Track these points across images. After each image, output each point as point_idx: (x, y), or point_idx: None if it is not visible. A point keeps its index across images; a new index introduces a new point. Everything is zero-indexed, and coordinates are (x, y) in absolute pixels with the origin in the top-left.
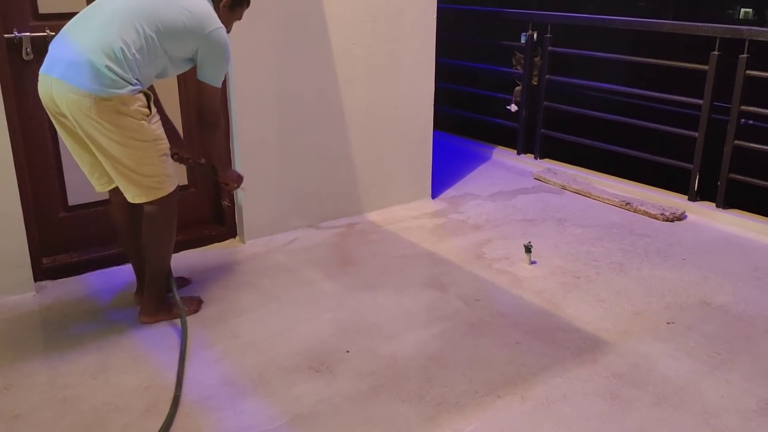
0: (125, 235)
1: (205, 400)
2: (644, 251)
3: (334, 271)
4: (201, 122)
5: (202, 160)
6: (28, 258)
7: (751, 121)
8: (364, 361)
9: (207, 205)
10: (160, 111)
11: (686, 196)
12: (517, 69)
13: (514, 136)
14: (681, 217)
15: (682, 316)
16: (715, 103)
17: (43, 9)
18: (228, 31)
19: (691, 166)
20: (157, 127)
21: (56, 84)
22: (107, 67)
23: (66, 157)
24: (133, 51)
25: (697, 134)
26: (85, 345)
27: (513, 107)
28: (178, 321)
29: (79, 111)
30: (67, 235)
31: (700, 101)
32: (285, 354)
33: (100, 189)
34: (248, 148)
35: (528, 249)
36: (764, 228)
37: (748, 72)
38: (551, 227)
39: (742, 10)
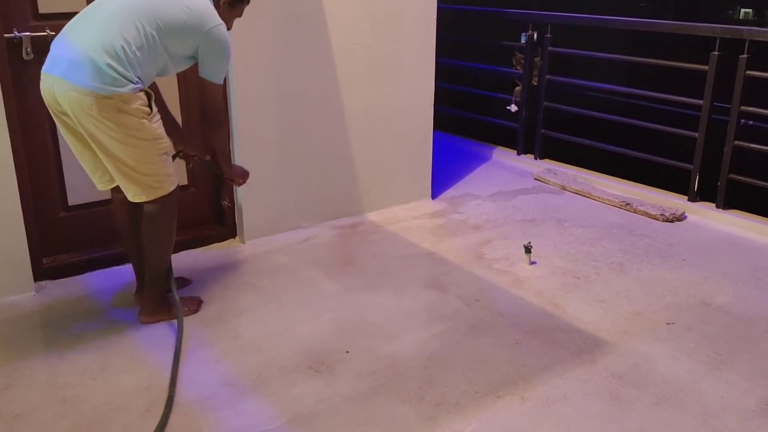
0: (126, 234)
1: (205, 400)
2: (644, 252)
3: (334, 271)
4: (204, 119)
5: (207, 157)
6: (28, 258)
7: (751, 122)
8: (364, 361)
9: (207, 205)
10: (164, 109)
11: (686, 197)
12: (517, 69)
13: (514, 136)
14: (681, 218)
15: (682, 316)
16: (715, 103)
17: (43, 9)
18: (229, 28)
19: (691, 166)
20: (157, 126)
21: (58, 83)
22: (108, 65)
23: (66, 157)
24: (134, 49)
25: (697, 135)
26: (85, 345)
27: (513, 107)
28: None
29: (80, 109)
30: (67, 235)
31: (700, 101)
32: (285, 354)
33: (101, 187)
34: (248, 148)
35: (528, 249)
36: (764, 228)
37: (748, 72)
38: (551, 227)
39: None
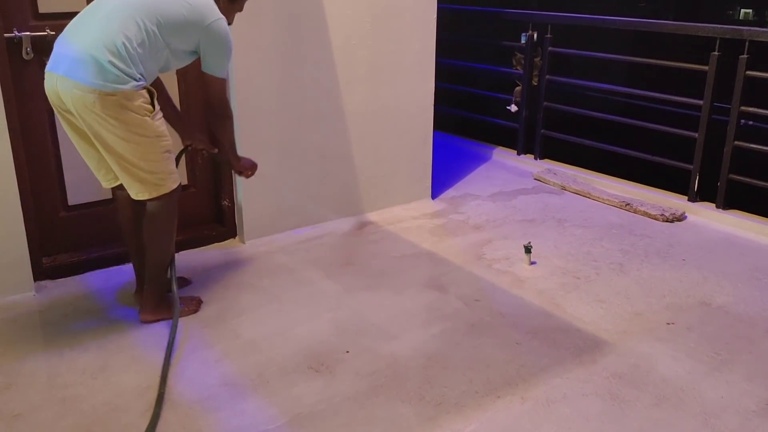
0: (128, 232)
1: (205, 400)
2: (644, 252)
3: (334, 271)
4: (210, 113)
5: (215, 150)
6: (28, 258)
7: (751, 122)
8: (363, 361)
9: (207, 205)
10: (170, 105)
11: (686, 197)
12: (517, 69)
13: (514, 136)
14: (681, 218)
15: (682, 316)
16: (715, 103)
17: (43, 8)
18: (230, 23)
19: (691, 166)
20: (160, 123)
21: (61, 81)
22: (110, 62)
23: (66, 157)
24: (135, 45)
25: (697, 135)
26: (85, 345)
27: (513, 107)
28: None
29: (83, 107)
30: (67, 235)
31: (700, 102)
32: (285, 354)
33: (106, 185)
34: (248, 148)
35: (528, 249)
36: (764, 228)
37: (748, 72)
38: (551, 228)
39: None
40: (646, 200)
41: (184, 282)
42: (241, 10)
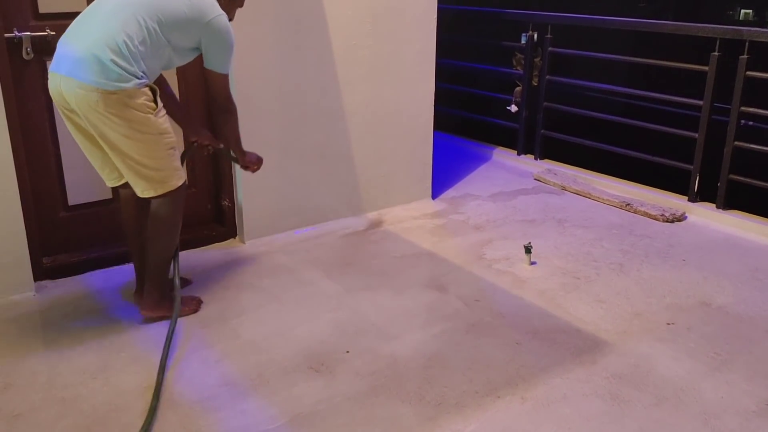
0: (131, 231)
1: (205, 400)
2: (644, 252)
3: (334, 271)
4: (215, 109)
5: (221, 145)
6: (28, 258)
7: (751, 122)
8: (363, 361)
9: (207, 205)
10: (174, 101)
11: (686, 197)
12: (517, 69)
13: (514, 136)
14: (681, 218)
15: (682, 316)
16: (715, 104)
17: (43, 8)
18: (230, 19)
19: (691, 167)
20: (163, 120)
21: (65, 81)
22: (112, 61)
23: (66, 157)
24: (137, 43)
25: (697, 135)
26: (85, 345)
27: (513, 108)
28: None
29: (87, 106)
30: (67, 235)
31: (700, 102)
32: (285, 354)
33: (110, 184)
34: (248, 148)
35: (528, 250)
36: (764, 229)
37: (748, 73)
38: (551, 228)
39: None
40: (646, 200)
41: (184, 282)
42: (241, 5)
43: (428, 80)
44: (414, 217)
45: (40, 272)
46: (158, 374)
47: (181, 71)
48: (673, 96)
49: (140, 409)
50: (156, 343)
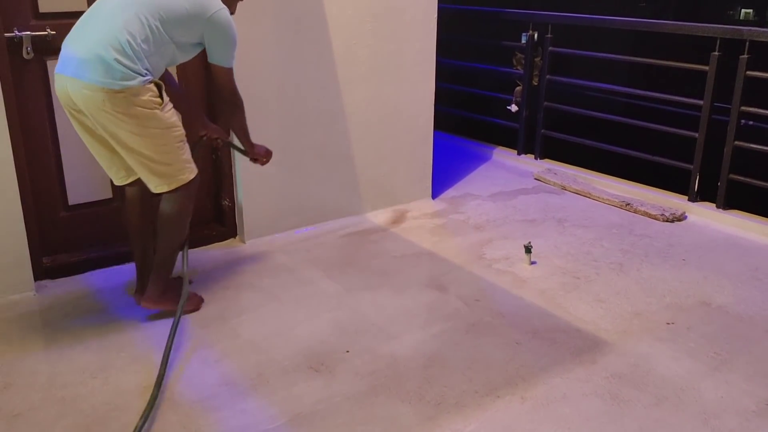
0: (135, 231)
1: (205, 400)
2: (644, 252)
3: (334, 271)
4: (222, 103)
5: (230, 138)
6: (28, 258)
7: (751, 122)
8: (363, 361)
9: (207, 205)
10: (181, 94)
11: (686, 197)
12: (517, 69)
13: (514, 136)
14: (681, 218)
15: (682, 316)
16: (715, 103)
17: (43, 8)
18: (232, 12)
19: (692, 166)
20: (170, 114)
21: (71, 82)
22: (116, 60)
23: (66, 157)
24: (139, 42)
25: (697, 135)
26: (85, 344)
27: (513, 107)
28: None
29: (94, 106)
30: (67, 234)
31: (701, 102)
32: (285, 354)
33: (118, 182)
34: None
35: (528, 249)
36: (764, 228)
37: (748, 72)
38: (551, 227)
39: (743, 10)
40: (646, 200)
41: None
42: None
43: (428, 80)
44: (414, 216)
45: (40, 272)
46: (161, 366)
47: (182, 66)
48: (673, 96)
49: (140, 408)
50: (156, 343)
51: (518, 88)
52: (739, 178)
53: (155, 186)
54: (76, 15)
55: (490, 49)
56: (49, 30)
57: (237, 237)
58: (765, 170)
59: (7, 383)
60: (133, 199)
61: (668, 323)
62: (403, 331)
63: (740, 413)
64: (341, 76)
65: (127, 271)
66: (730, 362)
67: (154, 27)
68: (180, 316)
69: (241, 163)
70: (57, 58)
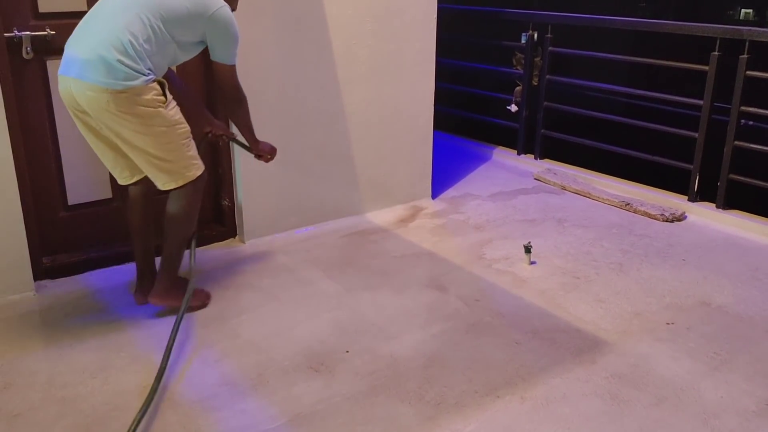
0: (138, 231)
1: (205, 400)
2: (644, 252)
3: (334, 271)
4: (226, 100)
5: (234, 135)
6: (28, 258)
7: (751, 122)
8: (363, 361)
9: (207, 205)
10: (185, 93)
11: (686, 197)
12: (517, 69)
13: (514, 136)
14: (681, 218)
15: (682, 316)
16: (715, 103)
17: (43, 8)
18: (233, 9)
19: (691, 166)
20: (174, 112)
21: (74, 83)
22: (119, 60)
23: (66, 157)
24: (141, 42)
25: (697, 135)
26: (85, 344)
27: (513, 107)
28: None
29: (98, 107)
30: (67, 234)
31: (700, 102)
32: (285, 354)
33: (122, 182)
34: None
35: (528, 249)
36: (764, 229)
37: (748, 72)
38: (551, 227)
39: (743, 10)
40: (646, 200)
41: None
42: None
43: (428, 80)
44: (414, 216)
45: (40, 272)
46: (163, 359)
47: (181, 64)
48: (673, 95)
49: (140, 408)
50: (156, 343)
51: (518, 88)
52: (739, 178)
53: (163, 183)
54: (76, 15)
55: (490, 49)
56: (48, 30)
57: (237, 237)
58: (765, 170)
59: (7, 383)
60: (135, 199)
61: (668, 323)
62: (403, 331)
63: (740, 413)
64: (341, 76)
65: (127, 270)
66: (730, 362)
67: (155, 27)
68: (185, 310)
69: (241, 163)
70: (57, 58)
